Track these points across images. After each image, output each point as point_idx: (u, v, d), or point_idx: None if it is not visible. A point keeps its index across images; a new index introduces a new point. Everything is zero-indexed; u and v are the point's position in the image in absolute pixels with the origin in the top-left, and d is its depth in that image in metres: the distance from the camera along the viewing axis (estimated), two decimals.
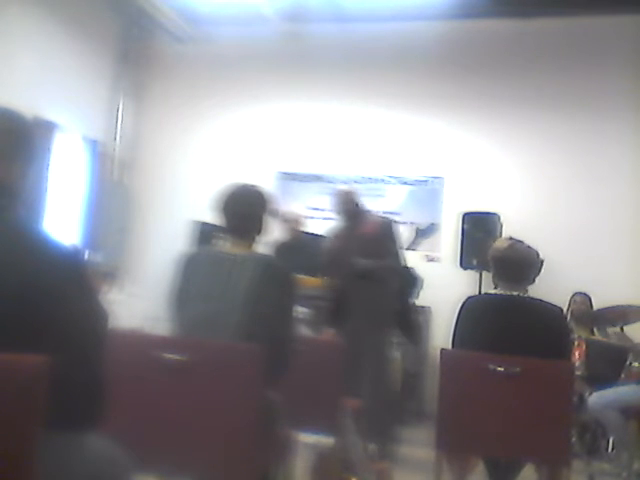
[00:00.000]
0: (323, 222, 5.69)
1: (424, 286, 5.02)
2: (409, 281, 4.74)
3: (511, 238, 2.74)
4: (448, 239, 5.55)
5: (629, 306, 4.33)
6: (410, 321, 4.34)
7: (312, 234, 5.18)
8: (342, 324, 3.94)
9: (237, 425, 1.93)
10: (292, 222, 5.01)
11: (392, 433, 3.82)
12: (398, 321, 4.10)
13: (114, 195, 6.21)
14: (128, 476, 1.51)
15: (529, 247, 2.67)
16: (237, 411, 1.93)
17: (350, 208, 4.03)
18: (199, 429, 1.94)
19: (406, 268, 4.10)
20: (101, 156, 6.19)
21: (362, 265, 3.83)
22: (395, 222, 4.19)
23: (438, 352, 2.50)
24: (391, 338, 3.99)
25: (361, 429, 3.29)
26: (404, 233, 5.21)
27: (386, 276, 3.91)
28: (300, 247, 4.82)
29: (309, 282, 4.30)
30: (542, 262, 2.71)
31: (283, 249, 4.62)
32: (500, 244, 2.71)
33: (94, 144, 6.13)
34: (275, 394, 2.18)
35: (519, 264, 2.61)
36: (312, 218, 5.63)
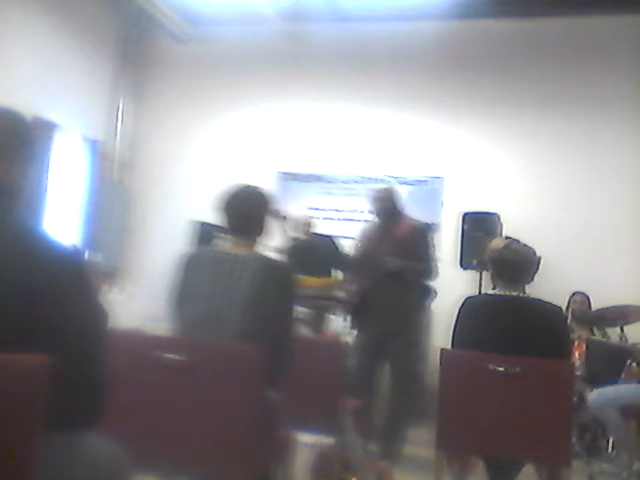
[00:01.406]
0: (324, 222, 5.71)
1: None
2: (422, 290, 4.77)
3: (507, 237, 2.74)
4: (448, 239, 5.55)
5: (629, 306, 4.33)
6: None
7: (322, 235, 5.20)
8: (364, 322, 3.96)
9: (237, 425, 1.93)
10: (302, 224, 5.05)
11: (401, 433, 3.82)
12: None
13: (114, 195, 6.21)
14: (128, 476, 1.52)
15: (525, 246, 2.67)
16: (237, 411, 1.93)
17: (389, 208, 4.00)
18: (199, 429, 1.94)
19: (436, 274, 4.08)
20: (101, 156, 6.19)
21: (394, 265, 3.82)
22: (431, 227, 4.14)
23: (438, 352, 2.50)
24: (414, 339, 3.98)
25: (361, 429, 3.29)
26: None
27: (415, 279, 3.91)
28: (311, 248, 4.85)
29: (311, 282, 4.31)
30: (539, 260, 2.71)
31: (295, 250, 4.63)
32: (496, 244, 2.71)
33: (94, 144, 6.13)
34: (275, 394, 2.18)
35: (516, 264, 2.61)
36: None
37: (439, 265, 4.04)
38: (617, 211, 5.44)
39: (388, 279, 3.85)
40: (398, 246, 3.86)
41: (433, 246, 4.02)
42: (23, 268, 1.21)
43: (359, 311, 3.99)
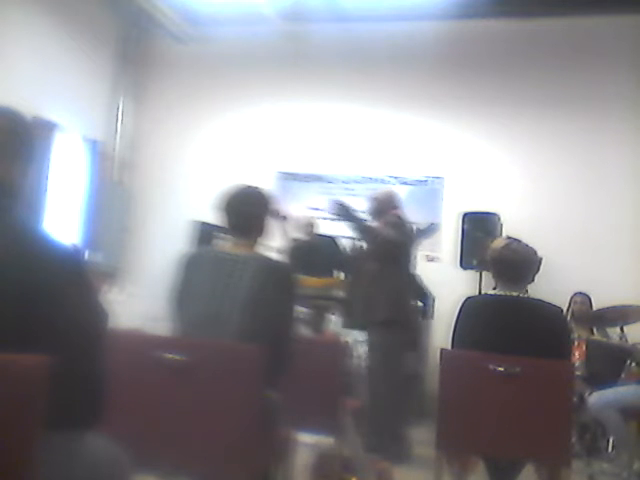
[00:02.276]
0: (324, 222, 5.71)
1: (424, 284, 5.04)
2: (420, 294, 4.77)
3: (508, 237, 2.73)
4: (448, 239, 5.55)
5: (629, 306, 4.33)
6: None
7: (325, 235, 5.21)
8: (351, 320, 3.98)
9: (237, 425, 1.93)
10: (305, 225, 5.06)
11: (395, 432, 3.81)
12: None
13: (114, 195, 6.21)
14: (128, 476, 1.52)
15: (527, 246, 2.66)
16: (237, 411, 1.93)
17: (378, 208, 4.01)
18: (199, 429, 1.94)
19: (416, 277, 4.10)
20: (101, 156, 6.19)
21: (362, 259, 3.86)
22: (408, 225, 4.10)
23: (438, 352, 2.50)
24: (392, 336, 3.97)
25: (361, 429, 3.29)
26: None
27: (386, 274, 3.91)
28: (314, 249, 4.86)
29: (311, 282, 4.31)
30: (540, 260, 2.71)
31: (297, 251, 4.64)
32: (497, 244, 2.70)
33: (94, 144, 6.13)
34: (275, 394, 2.18)
35: (517, 264, 2.61)
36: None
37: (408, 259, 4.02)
38: (617, 211, 5.44)
39: (367, 269, 3.88)
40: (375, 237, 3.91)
41: (402, 240, 3.96)
42: (23, 267, 1.21)
43: (346, 308, 4.05)
